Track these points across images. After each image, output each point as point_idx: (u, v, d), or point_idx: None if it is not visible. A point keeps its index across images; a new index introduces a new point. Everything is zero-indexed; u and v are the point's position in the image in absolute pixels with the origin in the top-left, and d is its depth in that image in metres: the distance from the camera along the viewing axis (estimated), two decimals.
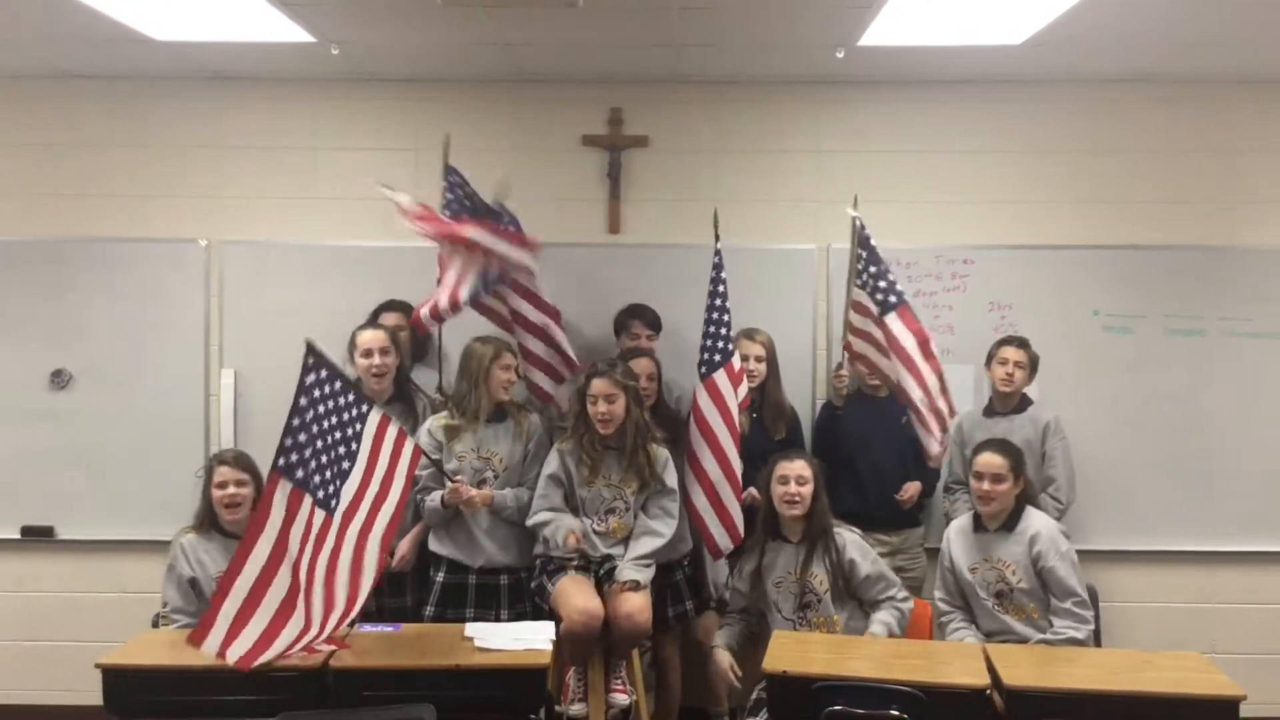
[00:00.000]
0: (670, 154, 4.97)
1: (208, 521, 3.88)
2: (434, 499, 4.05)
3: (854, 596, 3.92)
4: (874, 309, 4.27)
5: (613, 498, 3.99)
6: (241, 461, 3.92)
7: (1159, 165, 4.91)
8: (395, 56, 4.68)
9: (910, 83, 4.88)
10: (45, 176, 4.98)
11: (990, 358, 4.53)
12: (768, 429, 4.44)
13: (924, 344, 4.21)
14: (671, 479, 4.04)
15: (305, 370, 3.23)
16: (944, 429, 4.21)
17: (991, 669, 3.31)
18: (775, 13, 4.04)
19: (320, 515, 3.19)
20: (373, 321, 4.40)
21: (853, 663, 3.40)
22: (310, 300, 4.77)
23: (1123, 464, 4.83)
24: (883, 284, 4.27)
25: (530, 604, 4.06)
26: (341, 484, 3.29)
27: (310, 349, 3.26)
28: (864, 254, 4.31)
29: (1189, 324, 4.86)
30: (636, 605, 3.80)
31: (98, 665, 3.31)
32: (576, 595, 3.80)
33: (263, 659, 3.15)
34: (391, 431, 3.50)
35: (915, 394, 4.15)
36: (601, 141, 4.96)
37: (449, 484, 3.98)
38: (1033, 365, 4.50)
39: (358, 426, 3.37)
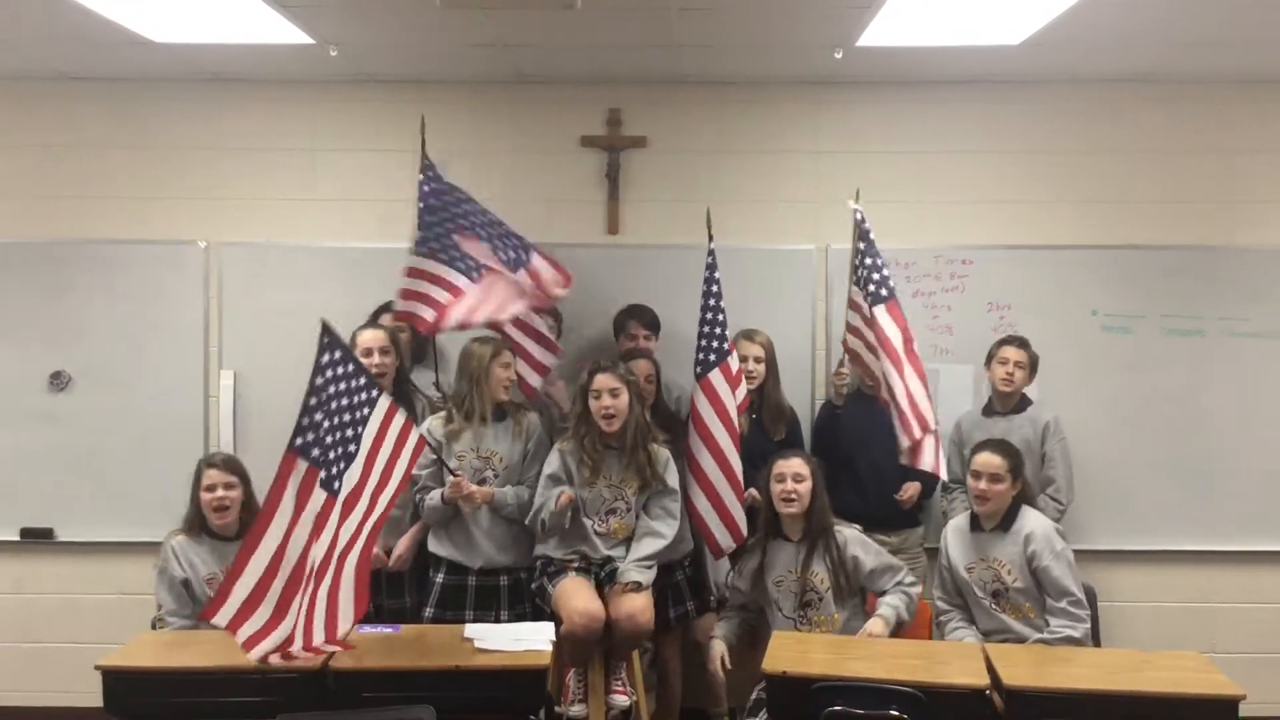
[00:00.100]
0: (669, 155, 4.97)
1: (197, 524, 3.89)
2: (434, 497, 4.05)
3: (860, 592, 3.92)
4: (865, 303, 4.25)
5: (614, 498, 3.99)
6: (230, 465, 3.93)
7: (1157, 165, 4.92)
8: (394, 58, 4.68)
9: (909, 83, 4.88)
10: (45, 178, 4.98)
11: (990, 357, 4.53)
12: (767, 430, 4.44)
13: (908, 341, 4.19)
14: (673, 479, 4.04)
15: (321, 350, 3.23)
16: (925, 429, 4.11)
17: (991, 669, 3.31)
18: (774, 13, 4.04)
19: (322, 496, 3.19)
20: (373, 322, 4.40)
21: (852, 663, 3.40)
22: (309, 301, 4.75)
23: (1122, 464, 4.83)
24: (876, 276, 4.25)
25: (530, 605, 4.06)
26: (345, 467, 3.29)
27: (326, 328, 3.27)
28: (862, 246, 4.30)
29: (1188, 324, 4.87)
30: (638, 606, 3.80)
31: (97, 667, 3.31)
32: (577, 597, 3.80)
33: (261, 646, 3.14)
34: (398, 420, 3.48)
35: (897, 388, 4.11)
36: (600, 142, 4.96)
37: (449, 479, 3.98)
38: (1033, 365, 4.50)
39: (365, 411, 3.37)
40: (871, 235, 4.30)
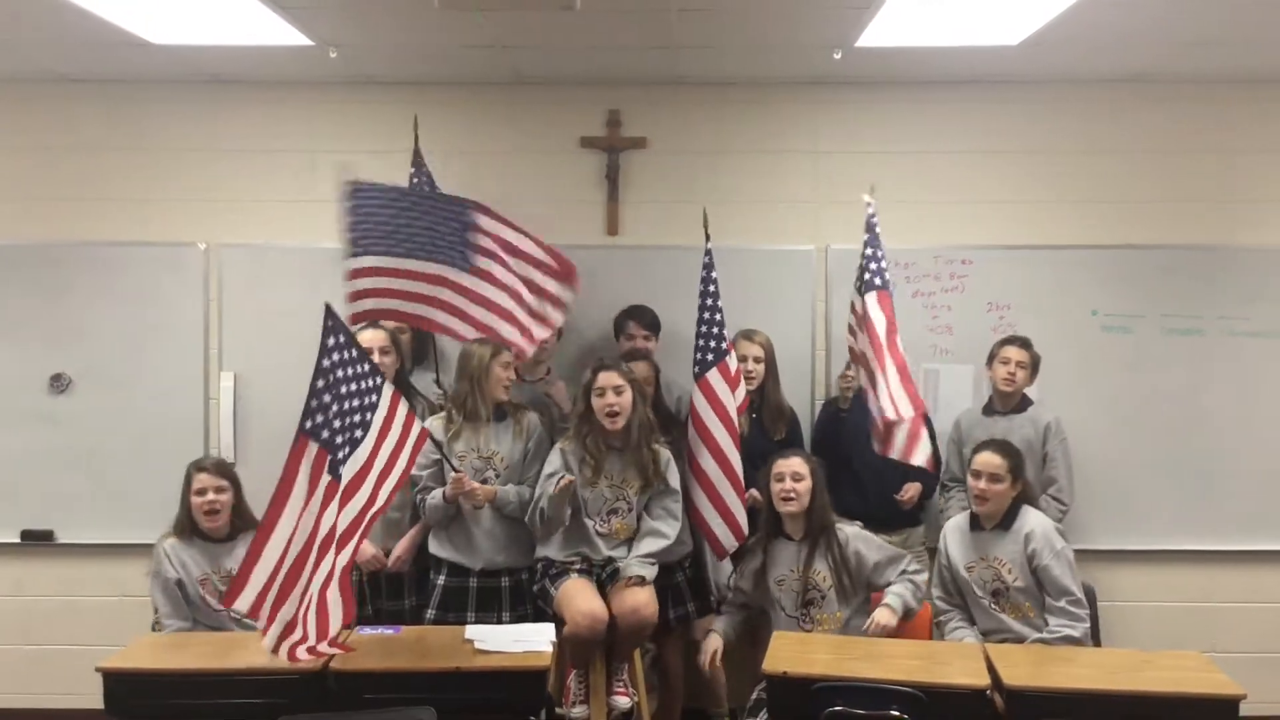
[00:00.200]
0: (668, 155, 4.97)
1: (187, 527, 3.91)
2: (435, 496, 4.05)
3: (864, 589, 3.91)
4: (858, 289, 4.27)
5: (615, 498, 3.99)
6: (220, 468, 3.96)
7: (1157, 165, 4.92)
8: (393, 59, 4.68)
9: (908, 83, 4.88)
10: (44, 180, 4.98)
11: (992, 357, 4.53)
12: (767, 430, 4.44)
13: (891, 332, 4.19)
14: (674, 479, 4.04)
15: (325, 333, 3.25)
16: (900, 416, 4.08)
17: (991, 669, 3.31)
18: (773, 14, 4.04)
19: (326, 479, 3.19)
20: (374, 323, 4.40)
21: (853, 663, 3.40)
22: (309, 303, 4.66)
23: (1122, 463, 4.83)
24: (872, 266, 4.26)
25: (532, 606, 4.06)
26: (351, 452, 3.29)
27: (329, 311, 3.28)
28: (866, 238, 4.31)
29: (1187, 323, 4.87)
30: (642, 600, 3.80)
31: (98, 668, 3.32)
32: (580, 598, 3.80)
33: (271, 632, 3.17)
34: (402, 410, 3.49)
35: (876, 376, 4.11)
36: (600, 143, 4.96)
37: (451, 476, 3.98)
38: (1034, 365, 4.50)
39: (373, 397, 3.37)
40: (878, 229, 4.31)
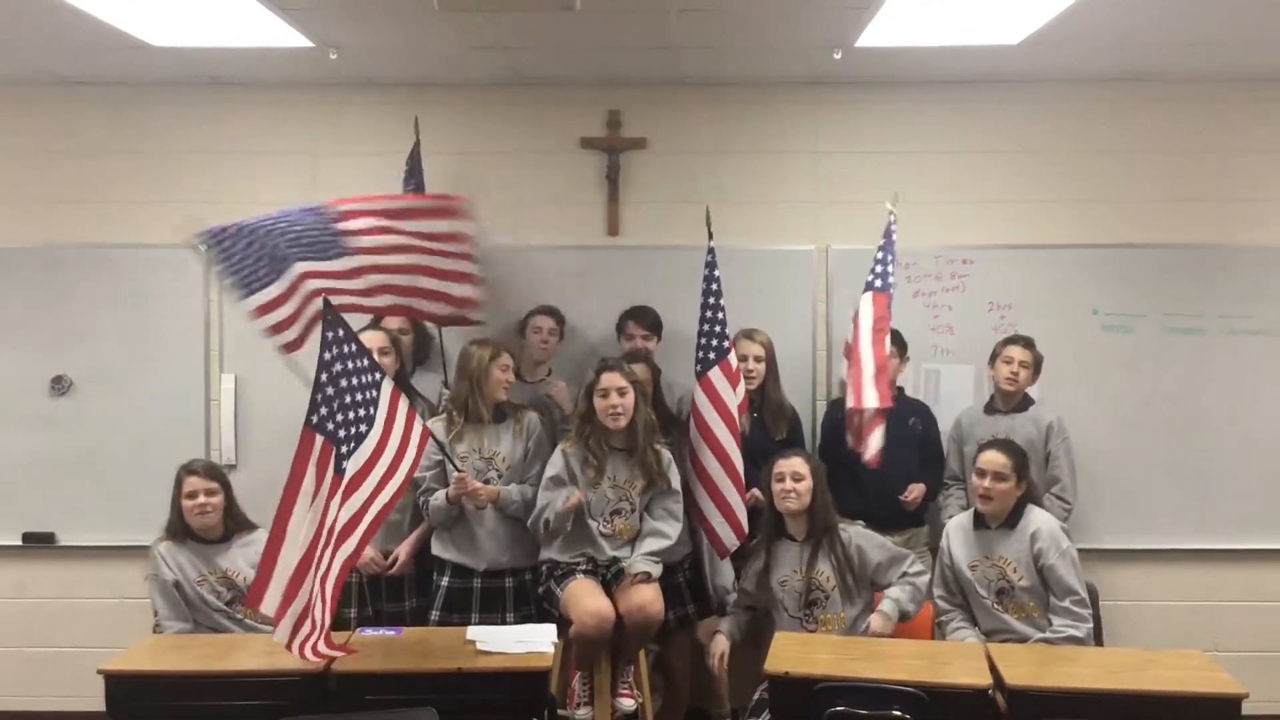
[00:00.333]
0: (669, 156, 4.97)
1: (180, 531, 3.92)
2: (438, 497, 4.05)
3: (869, 586, 3.91)
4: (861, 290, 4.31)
5: (618, 499, 3.99)
6: (211, 471, 3.98)
7: (1157, 164, 4.92)
8: (393, 60, 4.68)
9: (908, 83, 4.88)
10: (45, 182, 4.99)
11: (994, 356, 4.53)
12: (768, 429, 4.44)
13: (880, 331, 4.20)
14: (675, 479, 4.04)
15: (324, 326, 3.26)
16: (860, 408, 4.13)
17: (993, 668, 3.31)
18: (773, 14, 4.04)
19: (331, 474, 3.19)
20: (374, 324, 4.40)
21: (855, 663, 3.40)
22: None
23: (1123, 463, 4.83)
24: (878, 268, 4.29)
25: (535, 606, 4.06)
26: (355, 447, 3.29)
27: (327, 305, 3.29)
28: (882, 241, 4.34)
29: (1188, 323, 4.86)
30: (648, 598, 3.80)
31: (100, 671, 3.31)
32: (587, 598, 3.80)
33: (282, 626, 3.16)
34: (403, 406, 3.49)
35: (853, 369, 4.18)
36: (600, 144, 4.96)
37: (454, 476, 3.98)
38: (1037, 365, 4.50)
39: (374, 392, 3.37)
40: (894, 236, 4.34)
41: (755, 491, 4.14)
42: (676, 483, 4.04)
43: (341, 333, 3.29)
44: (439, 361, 4.71)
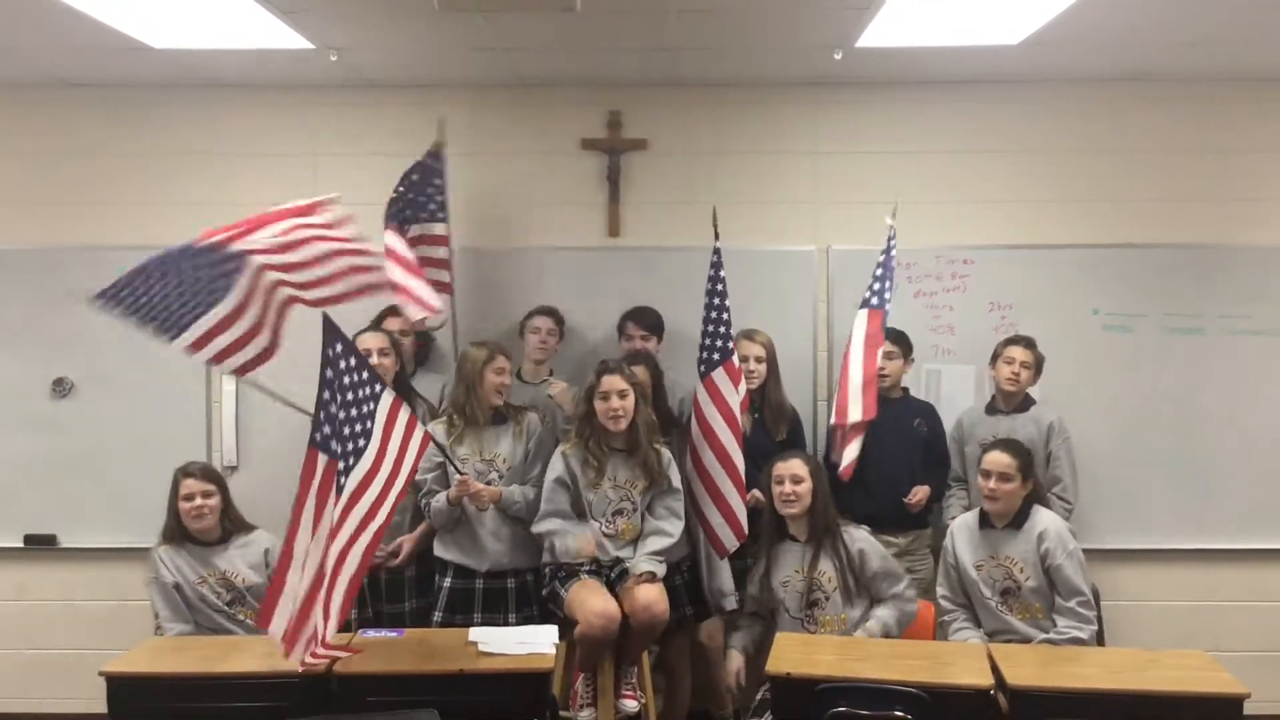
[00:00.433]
0: (669, 157, 4.97)
1: (178, 533, 3.94)
2: (440, 499, 4.05)
3: (865, 591, 3.90)
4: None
5: (619, 499, 3.99)
6: (207, 473, 3.99)
7: (1157, 164, 4.92)
8: (393, 62, 4.68)
9: (908, 83, 4.88)
10: (45, 184, 4.99)
11: (996, 356, 4.53)
12: (769, 430, 4.44)
13: (871, 347, 4.27)
14: (676, 478, 4.04)
15: (325, 343, 3.25)
16: (842, 421, 4.26)
17: (995, 669, 3.31)
18: (773, 15, 4.04)
19: (333, 494, 3.19)
20: (375, 325, 4.41)
21: (857, 664, 3.40)
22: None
23: (1124, 463, 4.83)
24: (875, 285, 4.34)
25: (538, 607, 4.07)
26: (355, 462, 3.29)
27: (327, 321, 3.28)
28: (881, 258, 4.37)
29: (1188, 322, 4.86)
30: (653, 597, 3.79)
31: (102, 673, 3.31)
32: (593, 598, 3.79)
33: (297, 650, 3.16)
34: (403, 416, 3.49)
35: (844, 381, 4.28)
36: (600, 145, 4.96)
37: (456, 479, 3.98)
38: (1038, 365, 4.50)
39: (372, 405, 3.37)
40: (893, 251, 4.37)
41: (755, 492, 4.14)
42: (677, 481, 4.04)
43: (340, 348, 3.29)
44: (440, 362, 4.73)
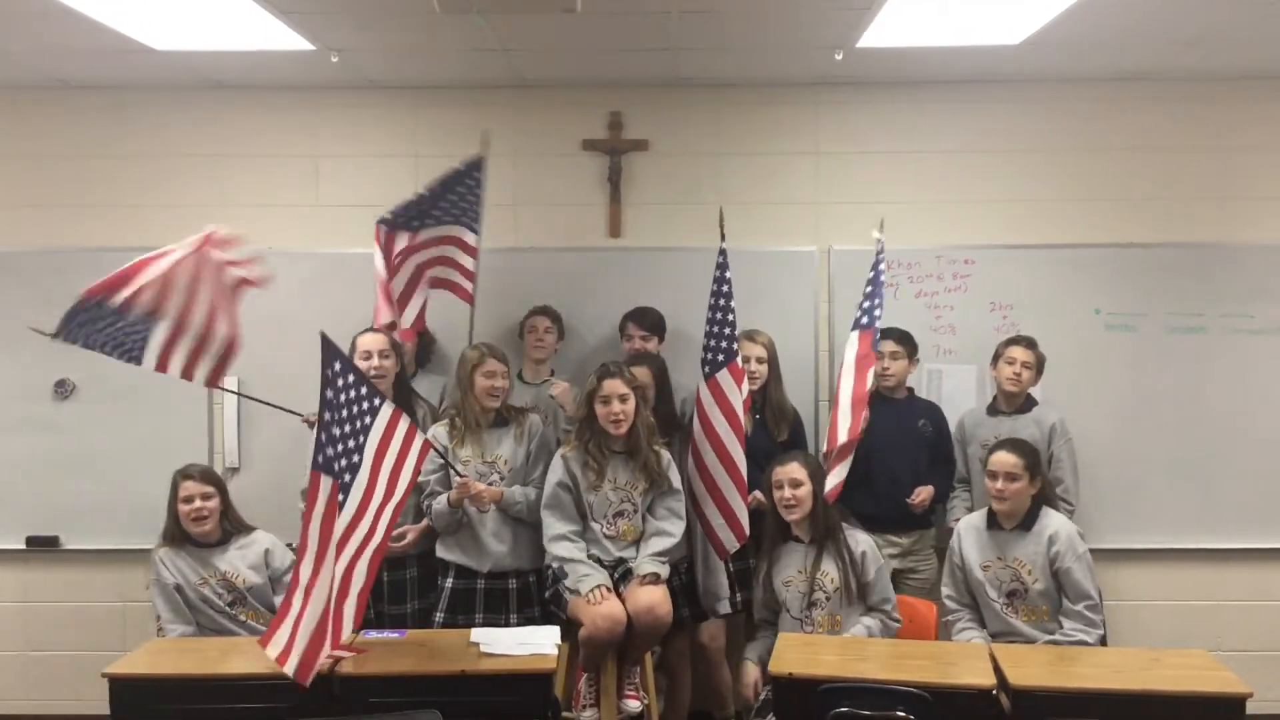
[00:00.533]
0: (670, 157, 4.97)
1: (178, 536, 3.95)
2: (441, 501, 4.05)
3: (861, 595, 3.89)
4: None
5: (620, 501, 3.99)
6: (206, 476, 4.00)
7: (1158, 163, 4.92)
8: (395, 63, 4.68)
9: (909, 84, 4.88)
10: (47, 186, 4.99)
11: (997, 357, 4.53)
12: (770, 430, 4.43)
13: (861, 370, 4.30)
14: (676, 479, 4.04)
15: (324, 363, 3.25)
16: (832, 446, 4.30)
17: (998, 669, 3.31)
18: (774, 15, 4.04)
19: (339, 515, 3.19)
20: (373, 326, 4.40)
21: (859, 664, 3.40)
22: (313, 308, 4.75)
23: (1126, 462, 4.82)
24: (865, 304, 4.38)
25: (540, 608, 4.07)
26: (352, 478, 3.30)
27: (325, 341, 3.28)
28: (870, 275, 4.39)
29: (1190, 321, 4.86)
30: (657, 599, 3.79)
31: (104, 674, 3.32)
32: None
33: (314, 671, 3.16)
34: (402, 427, 3.49)
35: (834, 406, 4.36)
36: (601, 146, 4.96)
37: (456, 481, 3.99)
38: (1039, 365, 4.49)
39: (368, 420, 3.38)
40: (882, 265, 4.37)
41: (757, 494, 4.14)
42: (677, 482, 4.04)
43: (340, 365, 3.28)
44: (441, 364, 4.73)
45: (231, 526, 4.02)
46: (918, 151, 4.94)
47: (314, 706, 3.23)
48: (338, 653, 3.31)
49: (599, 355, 4.60)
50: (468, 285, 4.45)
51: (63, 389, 4.92)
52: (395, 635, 3.70)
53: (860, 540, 3.93)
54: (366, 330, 4.31)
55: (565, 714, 3.80)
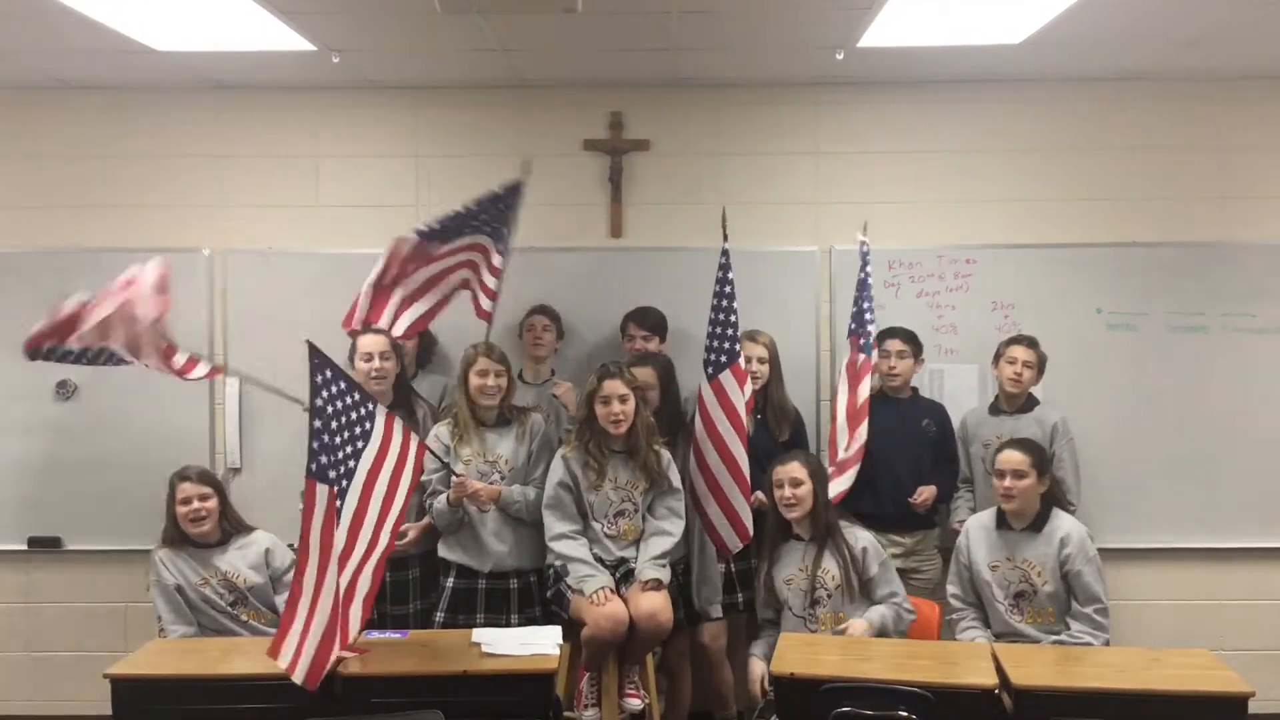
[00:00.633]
0: (671, 157, 4.97)
1: (177, 537, 3.96)
2: (441, 501, 4.06)
3: (865, 592, 3.89)
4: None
5: (621, 501, 3.99)
6: (203, 477, 4.01)
7: (1159, 162, 4.92)
8: (396, 63, 4.68)
9: (910, 83, 4.88)
10: (48, 187, 4.99)
11: (998, 356, 4.52)
12: (772, 430, 4.43)
13: (852, 377, 4.34)
14: (676, 479, 4.04)
15: (312, 371, 3.25)
16: (834, 457, 4.35)
17: (1000, 669, 3.31)
18: (774, 15, 4.04)
19: (337, 521, 3.19)
20: (374, 327, 4.40)
21: (861, 664, 3.40)
22: (314, 308, 4.74)
23: (1128, 461, 4.82)
24: (853, 309, 4.39)
25: (541, 608, 4.07)
26: (349, 483, 3.30)
27: (312, 349, 3.28)
28: (859, 277, 4.41)
29: (1192, 321, 4.86)
30: (659, 605, 3.79)
31: (106, 675, 3.32)
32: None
33: (301, 669, 3.16)
34: (398, 432, 3.50)
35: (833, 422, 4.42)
36: (602, 146, 4.96)
37: (454, 480, 3.99)
38: (1041, 365, 4.49)
39: (367, 425, 3.38)
40: (868, 269, 4.38)
41: (759, 494, 4.13)
42: (677, 481, 4.04)
43: (329, 374, 3.29)
44: (442, 364, 4.73)
45: (230, 527, 4.02)
46: (918, 151, 4.93)
47: (316, 707, 3.23)
48: (341, 653, 3.31)
49: (600, 355, 4.60)
50: (487, 303, 4.41)
51: (64, 389, 4.92)
52: (397, 635, 3.70)
53: (861, 537, 3.94)
54: (368, 331, 4.31)
55: (567, 713, 3.80)
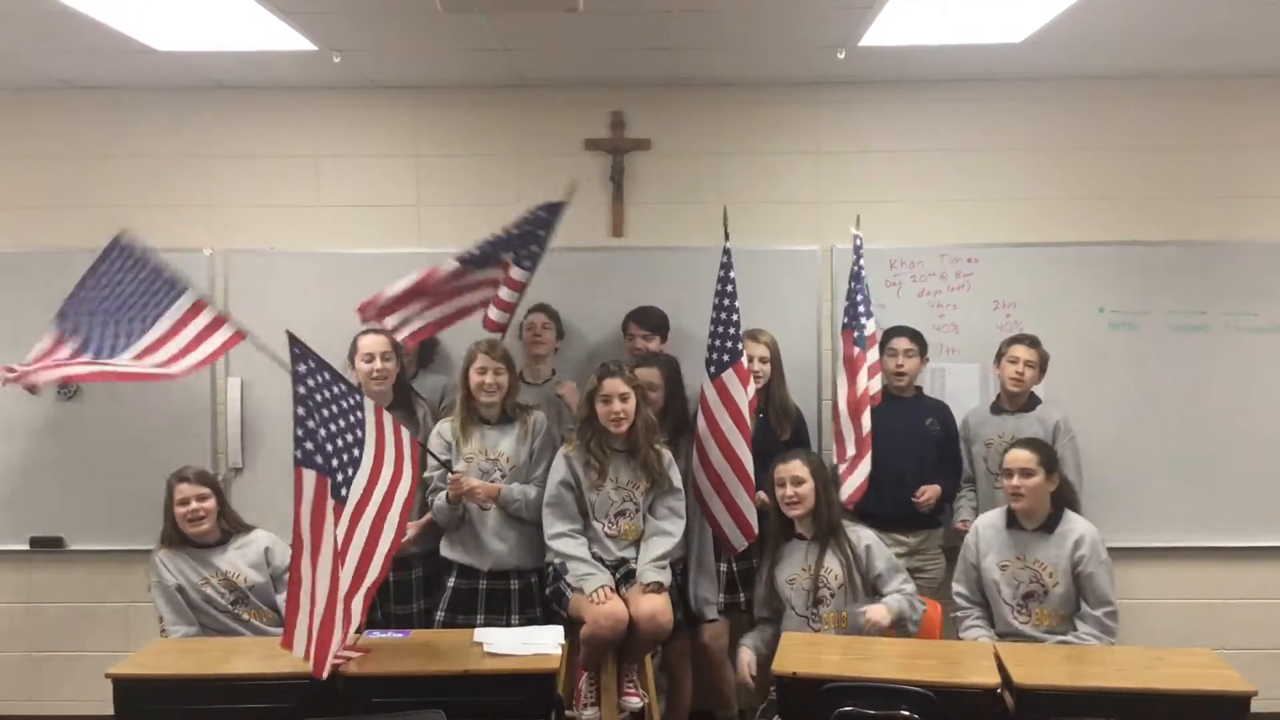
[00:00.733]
0: (672, 157, 4.97)
1: (176, 538, 3.96)
2: (441, 497, 4.06)
3: (873, 593, 3.89)
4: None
5: (622, 500, 3.99)
6: (202, 478, 4.01)
7: (1160, 161, 4.91)
8: (396, 63, 4.68)
9: (911, 82, 4.88)
10: (48, 187, 5.00)
11: (1000, 355, 4.52)
12: (773, 430, 4.43)
13: (850, 372, 4.34)
14: (676, 479, 4.04)
15: (293, 360, 3.26)
16: (842, 455, 4.37)
17: (1002, 668, 3.31)
18: (776, 14, 4.04)
19: (331, 503, 3.19)
20: (373, 328, 4.40)
21: (863, 663, 3.40)
22: (315, 308, 4.75)
23: (1130, 460, 4.82)
24: (846, 303, 4.39)
25: (541, 608, 4.07)
26: (354, 472, 3.30)
27: (292, 339, 3.29)
28: (853, 269, 4.41)
29: (1193, 320, 4.86)
30: (659, 607, 3.79)
31: (108, 675, 3.32)
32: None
33: (328, 665, 3.16)
34: (388, 420, 3.51)
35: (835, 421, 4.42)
36: (604, 145, 4.96)
37: (450, 478, 4.00)
38: (1042, 364, 4.49)
39: (359, 414, 3.39)
40: (861, 263, 4.39)
41: (762, 494, 4.13)
42: (678, 481, 4.04)
43: (313, 364, 3.29)
44: (442, 364, 4.73)
45: (229, 526, 4.02)
46: (919, 150, 4.93)
47: (318, 706, 3.23)
48: (344, 653, 3.31)
49: (601, 355, 4.59)
50: (498, 316, 4.36)
51: (66, 390, 4.92)
52: (399, 635, 3.70)
53: (863, 535, 3.94)
54: (368, 331, 4.31)
55: (567, 713, 3.80)
